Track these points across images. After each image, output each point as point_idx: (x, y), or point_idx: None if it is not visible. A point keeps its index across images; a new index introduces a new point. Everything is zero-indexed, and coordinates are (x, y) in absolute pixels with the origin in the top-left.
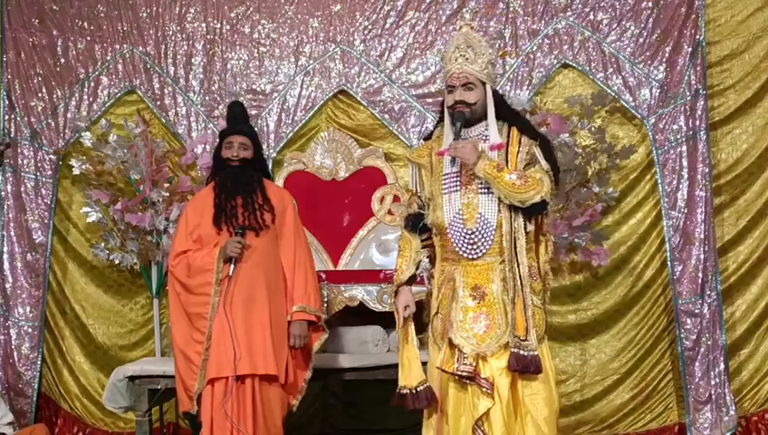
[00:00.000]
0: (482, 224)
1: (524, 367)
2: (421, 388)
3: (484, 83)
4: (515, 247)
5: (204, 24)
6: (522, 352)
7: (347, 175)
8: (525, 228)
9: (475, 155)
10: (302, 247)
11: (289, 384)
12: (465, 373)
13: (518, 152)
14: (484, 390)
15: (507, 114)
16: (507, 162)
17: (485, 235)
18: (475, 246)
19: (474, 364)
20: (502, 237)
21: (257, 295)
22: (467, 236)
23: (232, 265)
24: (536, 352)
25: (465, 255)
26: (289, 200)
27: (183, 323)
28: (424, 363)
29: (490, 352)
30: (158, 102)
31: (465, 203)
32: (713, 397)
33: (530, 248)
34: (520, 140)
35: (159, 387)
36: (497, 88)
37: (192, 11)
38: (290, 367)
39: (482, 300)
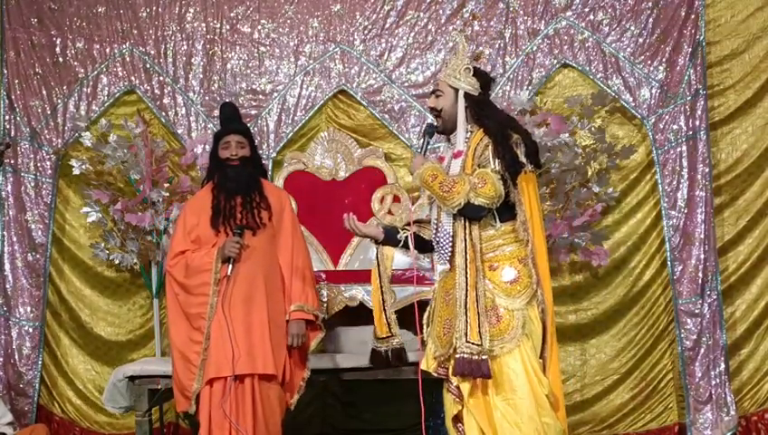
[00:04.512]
0: (442, 232)
1: (469, 372)
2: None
3: (457, 90)
4: (466, 252)
5: (204, 24)
6: (469, 356)
7: (347, 175)
8: (486, 231)
9: (416, 168)
10: (300, 247)
11: (287, 383)
12: (438, 375)
13: (473, 156)
14: (453, 393)
15: (480, 118)
16: (464, 168)
17: (446, 242)
18: (441, 253)
19: (447, 367)
20: (457, 244)
21: (256, 295)
22: (437, 245)
23: (230, 266)
24: (485, 357)
25: (439, 261)
26: (287, 200)
27: (181, 323)
28: None
29: (448, 355)
30: (158, 102)
31: (438, 212)
32: (713, 397)
33: (511, 253)
34: (478, 143)
35: (159, 387)
36: (496, 89)
37: (192, 11)
38: (288, 366)
39: (448, 304)
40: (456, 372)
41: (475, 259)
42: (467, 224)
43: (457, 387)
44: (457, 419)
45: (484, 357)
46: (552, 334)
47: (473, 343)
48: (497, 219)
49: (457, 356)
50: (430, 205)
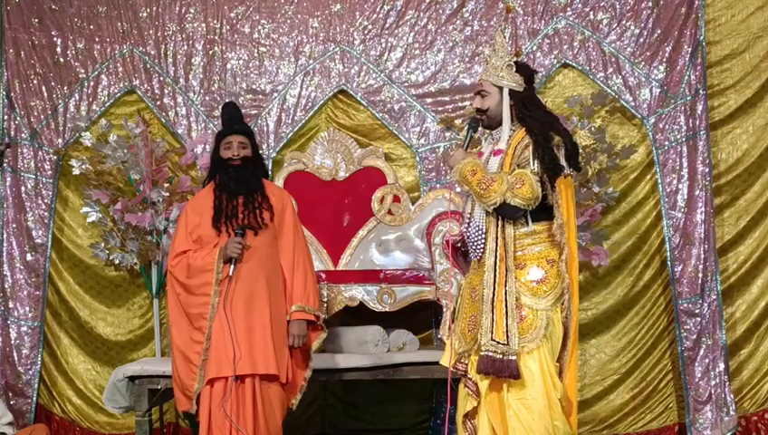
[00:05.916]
0: (474, 228)
1: (495, 371)
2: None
3: (501, 88)
4: (497, 250)
5: (204, 24)
6: (494, 355)
7: (347, 175)
8: (518, 230)
9: (456, 162)
10: (301, 247)
11: (289, 384)
12: (457, 371)
13: (512, 155)
14: (470, 389)
15: (524, 117)
16: (503, 166)
17: (477, 238)
18: (473, 249)
19: (467, 363)
20: (489, 241)
21: (257, 295)
22: (468, 239)
23: (232, 266)
24: (513, 358)
25: (471, 256)
26: (288, 200)
27: (182, 323)
28: None
29: (471, 352)
30: (158, 102)
31: (472, 206)
32: (713, 397)
33: (539, 253)
34: (519, 142)
35: (159, 387)
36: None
37: (192, 11)
38: (290, 367)
39: (474, 301)
40: (479, 370)
41: (506, 258)
42: (500, 222)
43: (475, 383)
44: (467, 416)
45: (512, 357)
46: (574, 342)
47: (498, 342)
48: (529, 219)
49: (482, 353)
50: (466, 197)
